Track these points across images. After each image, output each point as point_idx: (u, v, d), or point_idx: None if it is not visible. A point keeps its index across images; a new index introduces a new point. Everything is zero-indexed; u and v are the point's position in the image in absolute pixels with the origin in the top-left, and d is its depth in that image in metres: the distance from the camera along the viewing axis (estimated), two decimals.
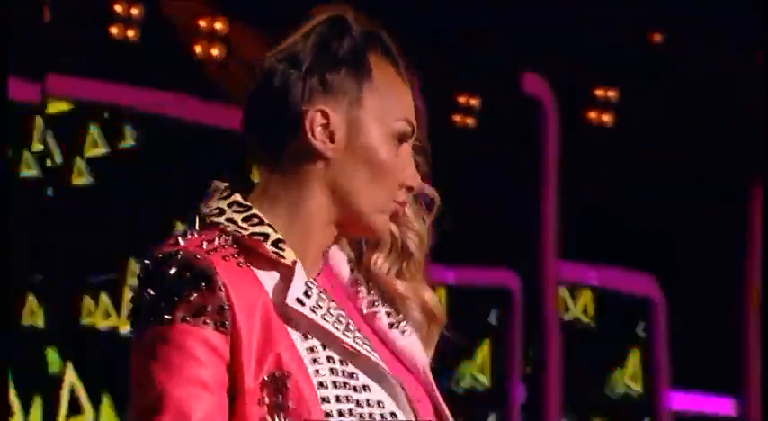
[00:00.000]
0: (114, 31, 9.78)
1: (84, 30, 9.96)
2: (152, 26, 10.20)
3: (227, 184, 2.41)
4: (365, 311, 2.47)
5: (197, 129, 10.34)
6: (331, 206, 2.39)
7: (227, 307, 2.27)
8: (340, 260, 2.50)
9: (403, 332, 2.47)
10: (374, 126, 2.41)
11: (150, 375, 2.27)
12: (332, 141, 2.38)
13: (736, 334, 11.60)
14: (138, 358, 2.31)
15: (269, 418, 2.26)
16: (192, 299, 2.27)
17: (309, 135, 2.37)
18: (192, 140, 10.35)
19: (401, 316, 2.49)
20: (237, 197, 2.39)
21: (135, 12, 9.92)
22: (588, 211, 10.35)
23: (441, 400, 2.49)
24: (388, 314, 2.48)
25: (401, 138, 2.42)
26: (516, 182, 10.40)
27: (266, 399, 2.26)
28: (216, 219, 2.37)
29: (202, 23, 10.24)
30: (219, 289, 2.28)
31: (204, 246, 2.32)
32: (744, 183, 11.74)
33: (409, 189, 2.43)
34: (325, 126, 2.38)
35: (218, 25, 10.21)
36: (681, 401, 11.34)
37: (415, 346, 2.47)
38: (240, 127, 2.41)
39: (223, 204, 2.37)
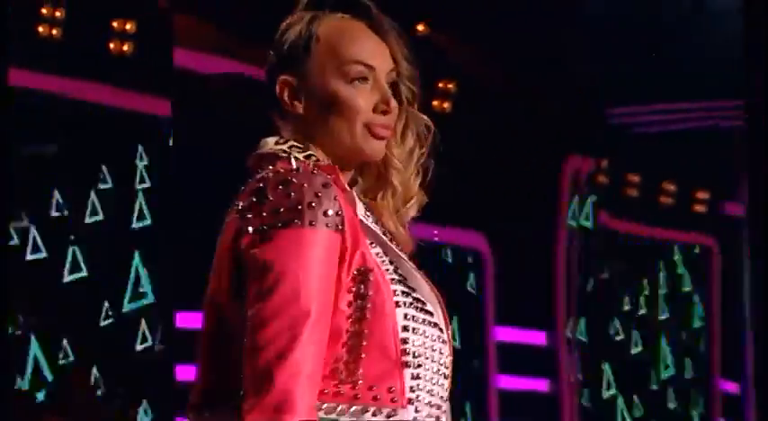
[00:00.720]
0: (41, 29, 10.13)
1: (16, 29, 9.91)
2: (73, 26, 10.34)
3: (278, 137, 2.53)
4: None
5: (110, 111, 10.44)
6: (327, 151, 2.52)
7: (341, 212, 2.38)
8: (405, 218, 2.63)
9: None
10: (326, 77, 2.50)
11: (286, 270, 2.33)
12: (298, 100, 2.51)
13: (548, 279, 12.19)
14: (269, 255, 2.36)
15: (353, 303, 2.39)
16: (315, 205, 2.36)
17: (281, 101, 2.53)
18: (106, 121, 10.42)
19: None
20: (293, 142, 2.51)
21: (58, 14, 10.18)
22: (431, 180, 10.99)
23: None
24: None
25: (359, 77, 2.50)
26: None
27: (353, 288, 2.39)
28: (293, 156, 2.49)
29: (115, 24, 10.51)
30: (335, 197, 2.38)
31: (311, 166, 2.45)
32: (557, 158, 12.23)
33: (384, 112, 2.51)
34: (291, 91, 2.51)
35: (128, 26, 10.51)
36: (504, 334, 11.78)
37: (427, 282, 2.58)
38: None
39: (284, 147, 2.49)
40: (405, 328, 2.38)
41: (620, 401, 13.10)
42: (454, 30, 10.87)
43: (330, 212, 2.34)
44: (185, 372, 10.22)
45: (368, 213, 2.52)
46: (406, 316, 2.39)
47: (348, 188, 2.48)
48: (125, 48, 10.71)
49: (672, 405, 13.83)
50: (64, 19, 10.44)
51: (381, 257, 2.45)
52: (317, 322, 2.31)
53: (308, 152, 2.48)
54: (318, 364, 2.32)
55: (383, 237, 2.50)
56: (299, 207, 2.33)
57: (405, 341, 2.37)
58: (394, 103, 2.51)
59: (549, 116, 11.12)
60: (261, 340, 2.32)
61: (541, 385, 11.73)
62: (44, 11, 10.30)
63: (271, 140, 2.51)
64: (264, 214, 2.35)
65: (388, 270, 2.44)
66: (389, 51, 2.52)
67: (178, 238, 10.82)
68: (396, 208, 2.59)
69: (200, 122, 10.48)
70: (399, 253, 2.50)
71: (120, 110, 10.57)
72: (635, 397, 13.23)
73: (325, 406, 2.33)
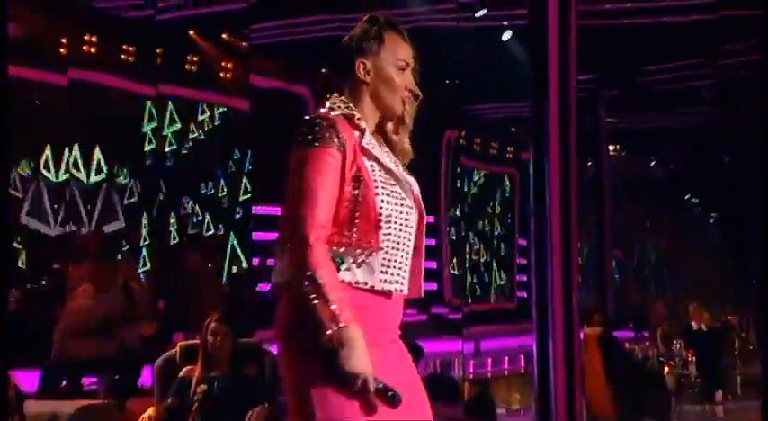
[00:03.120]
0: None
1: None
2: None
3: (336, 94, 2.24)
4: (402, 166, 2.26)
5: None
6: (373, 104, 2.24)
7: (342, 138, 2.13)
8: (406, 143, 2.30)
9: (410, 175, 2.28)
10: (387, 65, 2.24)
11: (302, 172, 2.11)
12: (369, 75, 2.23)
13: (435, 190, 12.27)
14: (295, 166, 2.13)
15: (352, 190, 2.13)
16: (325, 134, 2.11)
17: (358, 73, 2.23)
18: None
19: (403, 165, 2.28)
20: (342, 98, 2.22)
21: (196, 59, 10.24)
22: None
23: (423, 208, 2.27)
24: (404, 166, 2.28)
25: (402, 68, 2.24)
26: None
27: (352, 182, 2.13)
28: (331, 105, 2.20)
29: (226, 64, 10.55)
30: (337, 129, 2.13)
31: (331, 113, 2.17)
32: (440, 130, 12.52)
33: (411, 91, 2.24)
34: (365, 68, 2.23)
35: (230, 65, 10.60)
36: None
37: (415, 182, 2.27)
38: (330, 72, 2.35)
39: (336, 100, 2.21)
40: (380, 207, 2.16)
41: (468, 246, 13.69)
42: None
43: (334, 139, 2.14)
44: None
45: (374, 143, 2.22)
46: (382, 200, 2.17)
47: (363, 126, 2.21)
48: (229, 75, 10.98)
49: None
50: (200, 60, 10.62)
51: (372, 167, 2.19)
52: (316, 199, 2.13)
53: (348, 104, 2.23)
54: (324, 234, 2.10)
55: (379, 155, 2.20)
56: (315, 135, 2.14)
57: (380, 213, 2.16)
58: (416, 87, 2.29)
59: (437, 109, 10.98)
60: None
61: (431, 242, 11.76)
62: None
63: (331, 97, 2.26)
64: (296, 141, 2.17)
65: (374, 172, 2.18)
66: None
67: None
68: (402, 138, 2.29)
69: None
70: (390, 164, 2.22)
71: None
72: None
73: (334, 248, 2.12)
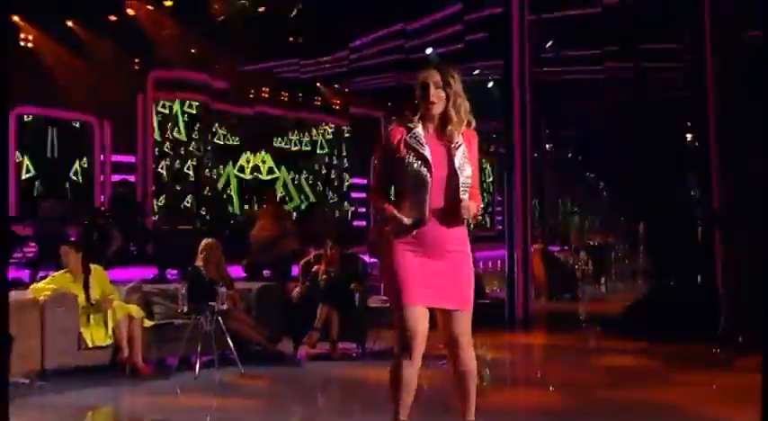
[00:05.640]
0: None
1: None
2: None
3: (409, 112, 1.97)
4: (452, 145, 1.95)
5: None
6: (420, 111, 1.96)
7: (393, 136, 1.93)
8: (453, 131, 1.96)
9: (461, 155, 1.94)
10: (419, 88, 1.95)
11: (375, 158, 2.02)
12: (417, 98, 1.95)
13: None
14: (374, 153, 1.99)
15: (399, 163, 1.93)
16: (386, 135, 1.94)
17: (416, 98, 1.95)
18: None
19: (459, 144, 1.95)
20: (408, 112, 1.96)
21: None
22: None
23: (454, 169, 1.93)
24: (459, 147, 1.95)
25: (424, 88, 1.93)
26: None
27: (399, 157, 1.93)
28: (398, 117, 1.98)
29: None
30: (390, 130, 1.95)
31: (395, 126, 1.96)
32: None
33: (432, 101, 1.94)
34: (416, 95, 1.95)
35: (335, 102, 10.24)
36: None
37: (462, 158, 1.94)
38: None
39: (405, 115, 1.97)
40: (408, 170, 1.92)
41: None
42: None
43: (389, 137, 1.93)
44: None
45: (420, 135, 1.94)
46: (408, 167, 1.92)
47: (411, 126, 1.95)
48: (338, 107, 10.51)
49: None
50: (322, 99, 10.29)
51: (410, 148, 1.93)
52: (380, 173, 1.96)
53: (412, 118, 1.97)
54: (380, 186, 1.96)
55: (415, 142, 1.93)
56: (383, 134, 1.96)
57: (408, 173, 1.92)
58: (433, 94, 1.95)
59: None
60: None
61: None
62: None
63: (407, 115, 1.98)
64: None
65: (409, 152, 1.93)
66: (438, 77, 1.95)
67: None
68: (450, 128, 1.95)
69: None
70: (424, 145, 1.93)
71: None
72: None
73: (391, 197, 1.94)
